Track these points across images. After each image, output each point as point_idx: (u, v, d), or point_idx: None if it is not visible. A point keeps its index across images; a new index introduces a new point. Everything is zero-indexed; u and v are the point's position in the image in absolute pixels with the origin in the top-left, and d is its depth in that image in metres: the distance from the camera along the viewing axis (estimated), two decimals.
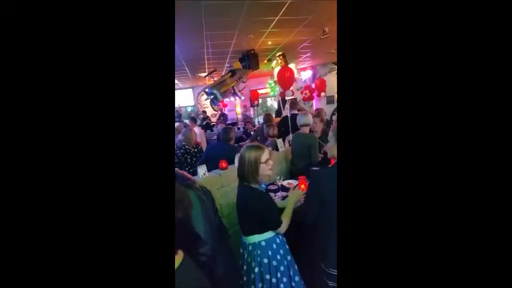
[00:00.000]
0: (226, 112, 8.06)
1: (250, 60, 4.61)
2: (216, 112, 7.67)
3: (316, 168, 2.15)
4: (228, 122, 7.02)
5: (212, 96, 4.32)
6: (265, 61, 5.57)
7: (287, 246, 1.38)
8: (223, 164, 2.41)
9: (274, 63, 5.45)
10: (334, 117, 5.81)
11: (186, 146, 3.09)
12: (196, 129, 4.17)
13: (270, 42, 4.37)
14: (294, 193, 1.51)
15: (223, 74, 5.06)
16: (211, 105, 4.66)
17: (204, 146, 3.88)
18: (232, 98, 6.25)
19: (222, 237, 1.09)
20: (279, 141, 3.02)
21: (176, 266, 0.63)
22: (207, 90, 4.41)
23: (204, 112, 8.09)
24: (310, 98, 6.81)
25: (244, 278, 1.32)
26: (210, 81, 8.06)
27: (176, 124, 4.60)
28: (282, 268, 1.28)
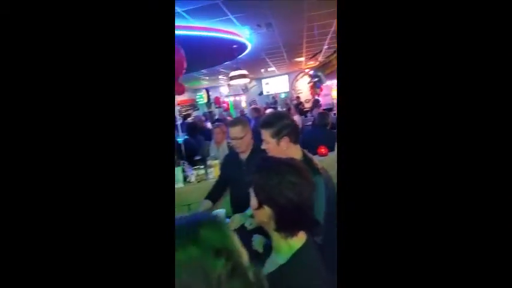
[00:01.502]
0: (319, 98, 7.75)
1: None
2: (310, 98, 7.49)
3: None
4: (323, 108, 6.73)
5: (316, 79, 4.20)
6: None
7: None
8: (322, 149, 2.33)
9: None
10: None
11: None
12: (296, 117, 4.19)
13: None
14: None
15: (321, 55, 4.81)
16: (314, 88, 4.55)
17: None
18: (329, 82, 5.92)
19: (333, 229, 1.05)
20: None
21: (298, 246, 0.64)
22: (311, 72, 4.31)
23: (298, 98, 8.04)
24: None
25: None
26: (305, 66, 7.89)
27: (270, 110, 4.78)
28: None
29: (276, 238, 0.66)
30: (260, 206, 0.65)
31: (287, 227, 0.64)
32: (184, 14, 3.18)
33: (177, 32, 3.42)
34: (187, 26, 3.53)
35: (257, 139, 1.66)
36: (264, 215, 0.65)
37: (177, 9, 3.03)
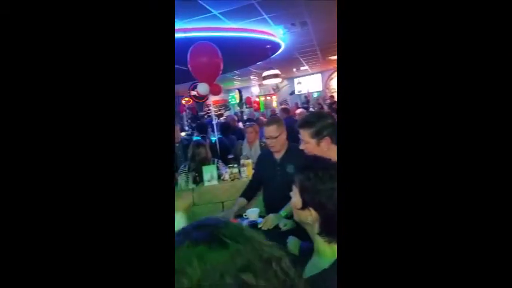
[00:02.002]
0: None
1: None
2: None
3: None
4: None
5: None
6: None
7: None
8: None
9: None
10: None
11: None
12: None
13: None
14: None
15: None
16: None
17: None
18: None
19: None
20: None
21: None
22: None
23: (332, 97, 7.79)
24: None
25: None
26: None
27: (300, 110, 4.71)
28: None
29: (319, 241, 0.64)
30: (305, 206, 0.63)
31: (332, 231, 0.61)
32: (220, 16, 3.26)
33: (213, 34, 3.52)
34: (223, 28, 3.62)
35: (290, 139, 1.64)
36: (308, 216, 0.63)
37: (214, 11, 3.12)
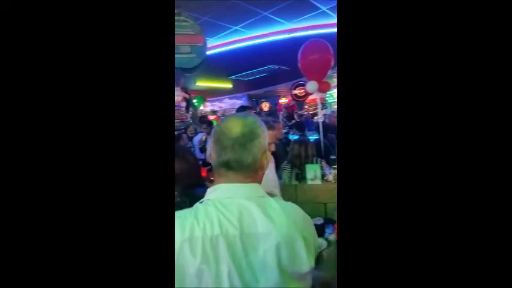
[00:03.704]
0: None
1: None
2: None
3: None
4: None
5: None
6: None
7: None
8: None
9: None
10: None
11: None
12: None
13: None
14: None
15: None
16: None
17: None
18: None
19: None
20: None
21: None
22: None
23: None
24: None
25: None
26: None
27: None
28: None
29: None
30: None
31: None
32: (329, 11, 3.17)
33: (323, 31, 3.46)
34: (329, 24, 3.51)
35: None
36: None
37: (322, 7, 3.06)
